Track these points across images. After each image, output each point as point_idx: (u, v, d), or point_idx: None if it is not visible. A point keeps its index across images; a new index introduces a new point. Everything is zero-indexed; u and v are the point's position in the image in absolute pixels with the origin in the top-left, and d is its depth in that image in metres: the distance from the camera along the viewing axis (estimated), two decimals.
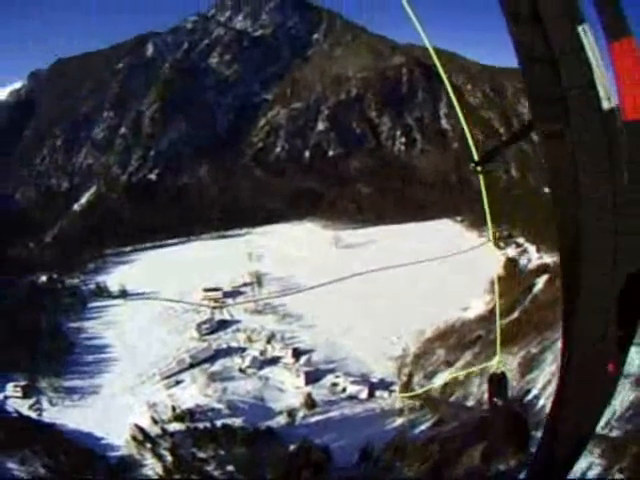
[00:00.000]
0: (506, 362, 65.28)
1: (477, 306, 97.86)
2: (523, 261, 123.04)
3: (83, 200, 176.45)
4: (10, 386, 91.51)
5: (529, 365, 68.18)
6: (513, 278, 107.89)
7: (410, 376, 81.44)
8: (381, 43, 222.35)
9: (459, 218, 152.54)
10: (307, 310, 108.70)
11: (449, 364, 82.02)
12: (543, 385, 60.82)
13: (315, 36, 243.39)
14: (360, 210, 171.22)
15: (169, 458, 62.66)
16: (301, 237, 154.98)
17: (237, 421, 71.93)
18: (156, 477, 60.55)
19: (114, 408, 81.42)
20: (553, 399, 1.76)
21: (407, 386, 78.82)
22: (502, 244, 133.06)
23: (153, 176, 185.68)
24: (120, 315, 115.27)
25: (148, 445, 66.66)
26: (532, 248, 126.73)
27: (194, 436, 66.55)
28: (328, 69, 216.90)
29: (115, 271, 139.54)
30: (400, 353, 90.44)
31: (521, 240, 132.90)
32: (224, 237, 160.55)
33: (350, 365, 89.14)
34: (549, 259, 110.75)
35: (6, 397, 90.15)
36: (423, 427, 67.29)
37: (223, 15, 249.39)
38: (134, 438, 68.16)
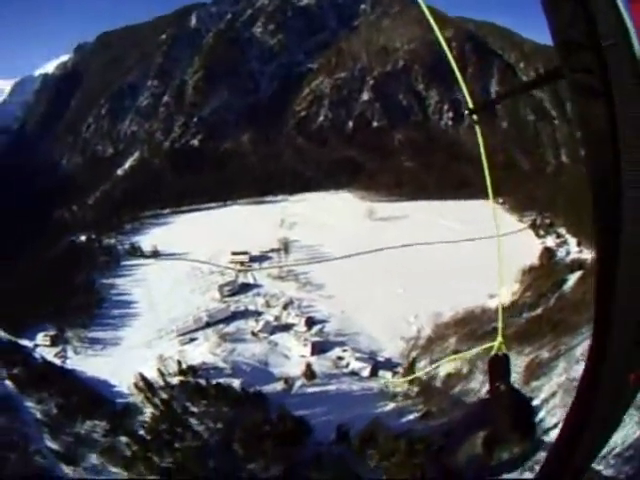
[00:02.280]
0: (515, 364, 60.96)
1: (503, 295, 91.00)
2: (561, 253, 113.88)
3: (126, 165, 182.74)
4: (40, 335, 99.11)
5: (537, 371, 62.45)
6: (546, 270, 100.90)
7: (414, 360, 78.48)
8: (430, 15, 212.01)
9: (501, 200, 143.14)
10: (329, 280, 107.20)
11: (457, 354, 77.42)
12: (547, 397, 54.40)
13: (362, 6, 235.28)
14: (399, 184, 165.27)
15: (162, 408, 64.66)
16: (336, 207, 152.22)
17: (235, 382, 72.31)
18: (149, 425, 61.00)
19: (130, 359, 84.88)
20: (573, 403, 1.65)
21: (410, 369, 75.66)
22: (542, 232, 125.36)
23: (195, 142, 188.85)
24: (149, 274, 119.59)
25: (148, 394, 69.13)
26: (573, 240, 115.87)
27: (189, 391, 68.03)
28: (375, 40, 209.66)
29: (150, 232, 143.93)
30: (413, 334, 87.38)
31: (563, 230, 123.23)
32: (260, 203, 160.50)
33: (361, 340, 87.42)
34: (588, 255, 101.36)
35: (36, 345, 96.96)
36: (411, 417, 65.04)
37: None
38: (136, 385, 71.18)
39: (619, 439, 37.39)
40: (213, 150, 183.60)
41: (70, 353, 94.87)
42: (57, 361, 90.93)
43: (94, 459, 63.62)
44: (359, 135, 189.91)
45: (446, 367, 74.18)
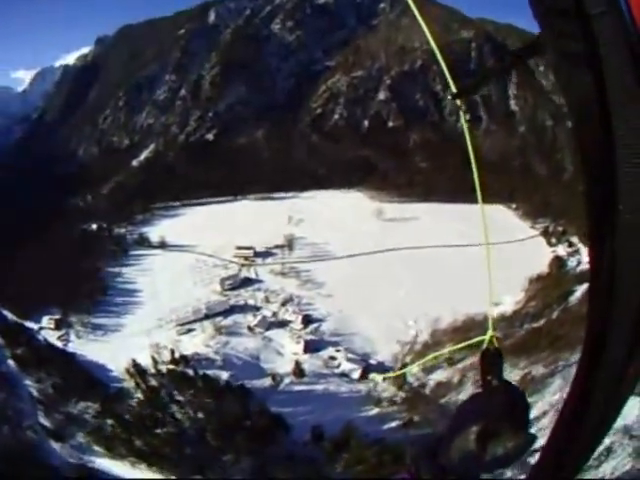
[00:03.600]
0: (508, 377, 58.96)
1: (507, 304, 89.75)
2: (571, 263, 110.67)
3: (141, 157, 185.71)
4: (45, 318, 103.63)
5: (530, 386, 59.27)
6: (554, 280, 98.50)
7: (405, 365, 78.01)
8: (450, 15, 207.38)
9: (514, 205, 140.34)
10: (330, 279, 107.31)
11: (451, 363, 75.80)
12: (537, 415, 49.60)
13: (382, 5, 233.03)
14: (411, 184, 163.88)
15: (148, 394, 67.28)
16: (345, 206, 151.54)
17: (224, 374, 74.23)
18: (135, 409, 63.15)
19: (129, 346, 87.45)
20: (568, 394, 1.59)
21: (398, 373, 75.16)
22: (554, 240, 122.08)
23: (210, 136, 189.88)
24: (155, 264, 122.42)
25: (139, 380, 71.79)
26: (585, 250, 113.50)
27: (177, 380, 69.97)
28: (393, 39, 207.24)
29: (160, 224, 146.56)
30: (410, 339, 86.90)
31: (575, 239, 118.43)
32: (270, 199, 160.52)
33: (356, 341, 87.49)
34: None
35: (40, 328, 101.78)
36: (392, 424, 64.73)
37: None
38: (128, 371, 74.24)
39: (609, 469, 35.44)
40: (227, 145, 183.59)
41: (72, 337, 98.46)
42: (59, 344, 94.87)
43: (81, 438, 66.49)
44: (374, 134, 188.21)
45: (438, 375, 73.81)
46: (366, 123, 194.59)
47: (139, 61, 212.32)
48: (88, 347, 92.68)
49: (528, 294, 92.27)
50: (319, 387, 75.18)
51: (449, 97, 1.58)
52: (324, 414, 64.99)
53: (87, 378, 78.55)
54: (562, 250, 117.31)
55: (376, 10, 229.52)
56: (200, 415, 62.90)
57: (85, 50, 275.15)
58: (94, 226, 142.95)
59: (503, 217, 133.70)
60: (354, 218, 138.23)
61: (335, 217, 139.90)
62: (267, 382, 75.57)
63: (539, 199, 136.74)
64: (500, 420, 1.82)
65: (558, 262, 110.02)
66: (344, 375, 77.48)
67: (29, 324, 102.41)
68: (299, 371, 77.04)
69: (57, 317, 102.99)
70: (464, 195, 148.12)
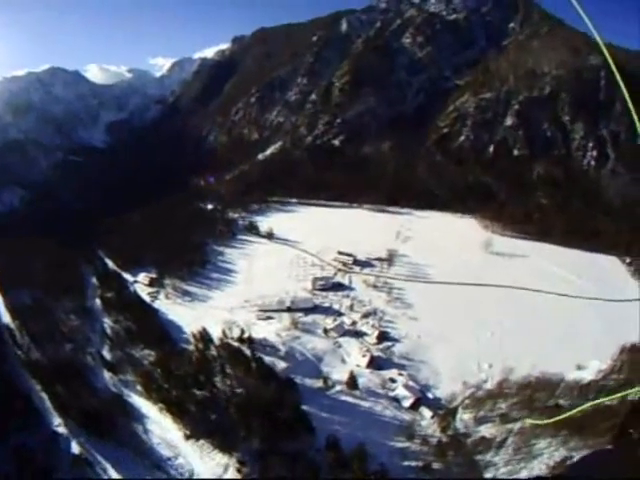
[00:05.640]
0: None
1: (591, 370, 78.69)
2: None
3: (268, 152, 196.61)
4: (142, 275, 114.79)
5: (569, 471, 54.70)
6: None
7: (456, 409, 73.11)
8: (578, 39, 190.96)
9: (628, 260, 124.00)
10: (420, 303, 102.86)
11: (503, 420, 69.47)
12: None
13: (511, 25, 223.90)
14: (529, 220, 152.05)
15: (202, 359, 74.54)
16: (456, 231, 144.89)
17: (281, 364, 77.04)
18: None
19: (210, 316, 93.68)
20: None
21: (446, 416, 70.35)
22: None
23: (336, 142, 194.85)
24: (258, 251, 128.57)
25: (200, 345, 77.98)
26: None
27: (233, 354, 74.91)
28: (523, 61, 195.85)
29: (273, 216, 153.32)
30: (477, 382, 79.53)
31: None
32: (384, 212, 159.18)
33: (423, 370, 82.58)
34: None
35: (135, 281, 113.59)
36: (412, 463, 62.15)
37: None
38: (194, 335, 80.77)
39: None
40: (352, 152, 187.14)
41: (161, 296, 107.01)
42: (147, 298, 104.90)
43: (130, 376, 75.59)
44: (498, 161, 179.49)
45: (487, 429, 68.22)
46: (491, 149, 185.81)
47: (273, 62, 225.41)
48: (172, 308, 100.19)
49: (615, 364, 79.49)
50: (366, 404, 72.94)
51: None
52: (355, 430, 64.38)
53: (160, 332, 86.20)
54: None
55: (506, 30, 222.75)
56: (239, 391, 66.19)
57: (223, 46, 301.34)
58: (210, 206, 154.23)
59: (615, 271, 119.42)
60: (461, 245, 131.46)
61: (442, 241, 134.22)
62: (318, 384, 75.18)
63: None
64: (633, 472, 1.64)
65: None
66: (396, 400, 74.22)
67: (126, 275, 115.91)
68: (352, 383, 74.99)
69: (153, 276, 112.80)
70: (579, 240, 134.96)
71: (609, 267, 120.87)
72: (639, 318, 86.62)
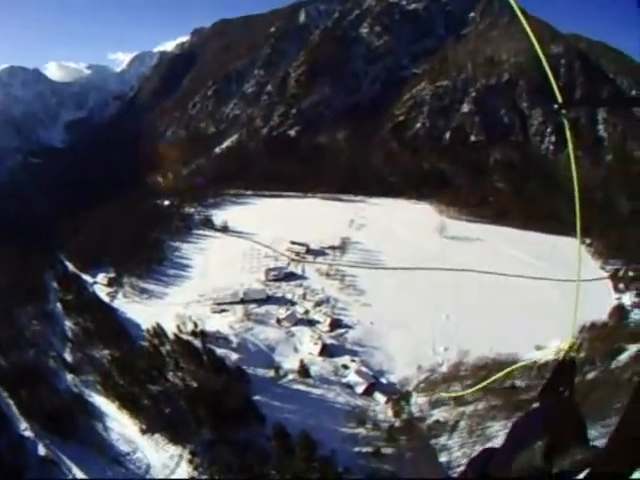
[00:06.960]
0: None
1: (550, 350, 79.32)
2: (635, 315, 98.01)
3: (224, 145, 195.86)
4: (101, 275, 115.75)
5: None
6: (608, 331, 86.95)
7: (409, 393, 75.38)
8: (540, 28, 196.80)
9: (588, 241, 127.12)
10: (372, 288, 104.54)
11: (460, 403, 70.75)
12: None
13: (472, 14, 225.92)
14: (484, 204, 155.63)
15: (155, 354, 76.36)
16: (411, 217, 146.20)
17: (233, 356, 78.90)
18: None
19: (166, 313, 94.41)
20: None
21: (400, 400, 72.54)
22: (621, 286, 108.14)
23: (292, 133, 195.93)
24: (213, 245, 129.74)
25: (155, 341, 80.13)
26: None
27: (185, 349, 76.77)
28: (482, 50, 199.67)
29: (228, 209, 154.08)
30: (431, 367, 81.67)
31: None
32: (338, 200, 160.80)
33: (376, 356, 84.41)
34: None
35: (94, 282, 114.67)
36: (362, 449, 63.80)
37: None
38: (149, 332, 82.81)
39: None
40: (308, 142, 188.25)
41: (120, 295, 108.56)
42: (106, 299, 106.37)
43: (90, 376, 77.09)
44: (454, 148, 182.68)
45: (442, 412, 70.34)
46: (447, 135, 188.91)
47: (231, 54, 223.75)
48: (130, 307, 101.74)
49: (575, 343, 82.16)
50: (318, 391, 74.63)
51: (555, 106, 1.86)
52: (306, 418, 66.16)
53: (118, 331, 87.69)
54: (628, 299, 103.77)
55: (466, 20, 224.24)
56: (190, 384, 68.45)
57: (183, 39, 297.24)
58: (166, 202, 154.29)
59: (574, 252, 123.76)
60: (415, 231, 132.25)
61: (396, 227, 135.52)
62: (270, 373, 76.92)
63: (615, 238, 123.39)
64: (570, 433, 1.70)
65: (619, 312, 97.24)
66: (349, 386, 75.69)
67: (85, 277, 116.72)
68: (304, 371, 76.70)
69: (111, 276, 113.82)
70: (537, 223, 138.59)
71: (568, 248, 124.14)
72: (596, 297, 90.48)
